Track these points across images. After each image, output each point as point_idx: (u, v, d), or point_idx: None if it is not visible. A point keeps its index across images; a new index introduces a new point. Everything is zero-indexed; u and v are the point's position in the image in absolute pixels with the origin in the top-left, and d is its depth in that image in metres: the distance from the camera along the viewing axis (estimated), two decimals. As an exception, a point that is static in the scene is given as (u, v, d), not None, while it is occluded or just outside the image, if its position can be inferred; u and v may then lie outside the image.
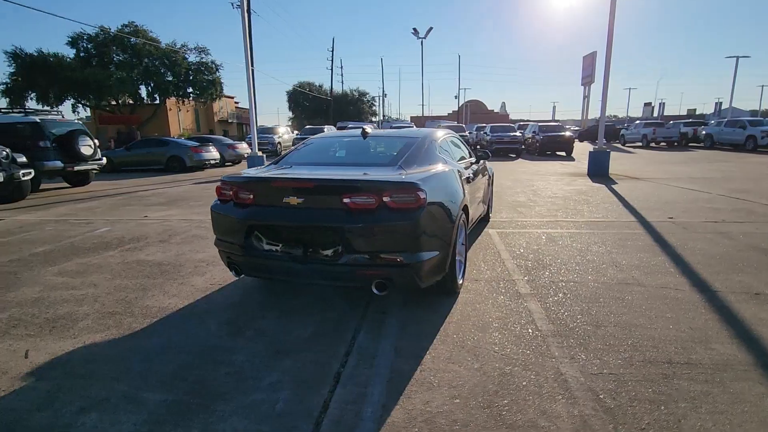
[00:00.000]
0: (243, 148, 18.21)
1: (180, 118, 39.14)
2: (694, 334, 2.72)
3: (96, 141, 10.88)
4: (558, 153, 19.64)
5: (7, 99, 31.40)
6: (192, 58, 34.34)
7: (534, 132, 20.40)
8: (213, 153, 15.64)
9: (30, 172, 8.61)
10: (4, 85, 31.10)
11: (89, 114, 37.75)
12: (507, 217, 6.30)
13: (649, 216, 6.16)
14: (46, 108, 28.51)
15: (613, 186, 9.35)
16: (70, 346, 2.71)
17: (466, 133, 22.22)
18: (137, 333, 2.87)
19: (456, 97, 49.08)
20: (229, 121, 41.69)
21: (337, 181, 2.74)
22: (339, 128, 24.17)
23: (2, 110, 10.70)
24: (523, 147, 20.58)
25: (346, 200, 2.68)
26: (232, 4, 29.18)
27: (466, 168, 4.26)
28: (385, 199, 2.68)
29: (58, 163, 9.89)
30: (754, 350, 2.51)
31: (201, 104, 38.85)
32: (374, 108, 52.49)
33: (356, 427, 1.92)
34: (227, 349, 2.64)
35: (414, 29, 26.31)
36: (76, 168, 10.32)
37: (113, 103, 34.76)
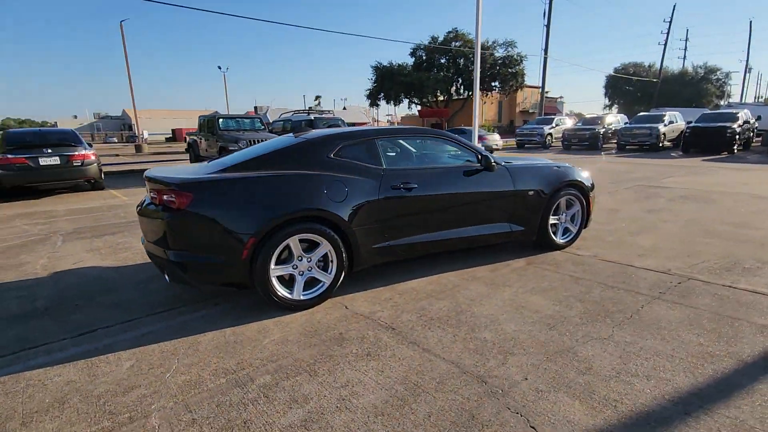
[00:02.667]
0: (493, 139, 18.30)
1: (483, 110, 42.07)
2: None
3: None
4: None
5: (368, 101, 42.77)
6: (499, 52, 36.09)
7: None
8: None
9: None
10: (368, 91, 42.13)
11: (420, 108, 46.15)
12: (604, 250, 4.23)
13: None
14: (329, 107, 37.42)
15: None
16: (68, 266, 4.39)
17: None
18: (110, 267, 4.29)
19: None
20: (530, 111, 41.40)
21: (150, 178, 3.14)
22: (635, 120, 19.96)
23: (299, 111, 15.38)
24: None
25: (152, 194, 3.08)
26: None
27: (407, 175, 3.46)
28: (164, 197, 2.90)
29: (319, 150, 13.55)
30: None
31: (504, 96, 40.39)
32: (725, 88, 38.73)
33: None
34: (87, 300, 3.64)
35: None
36: (330, 154, 13.74)
37: (434, 99, 41.22)
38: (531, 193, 4.00)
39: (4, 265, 4.47)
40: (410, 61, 39.57)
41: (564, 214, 4.36)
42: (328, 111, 15.20)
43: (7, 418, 2.05)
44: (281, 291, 3.03)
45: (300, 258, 3.08)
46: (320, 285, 3.19)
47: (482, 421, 1.91)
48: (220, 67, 52.21)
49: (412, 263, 4.02)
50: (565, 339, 2.60)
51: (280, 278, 3.05)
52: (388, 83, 39.35)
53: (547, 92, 48.42)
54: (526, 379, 2.21)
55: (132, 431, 1.94)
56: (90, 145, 10.74)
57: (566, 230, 4.41)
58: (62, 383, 2.32)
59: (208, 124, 13.04)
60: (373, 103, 42.10)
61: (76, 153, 9.22)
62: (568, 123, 24.23)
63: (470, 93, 39.03)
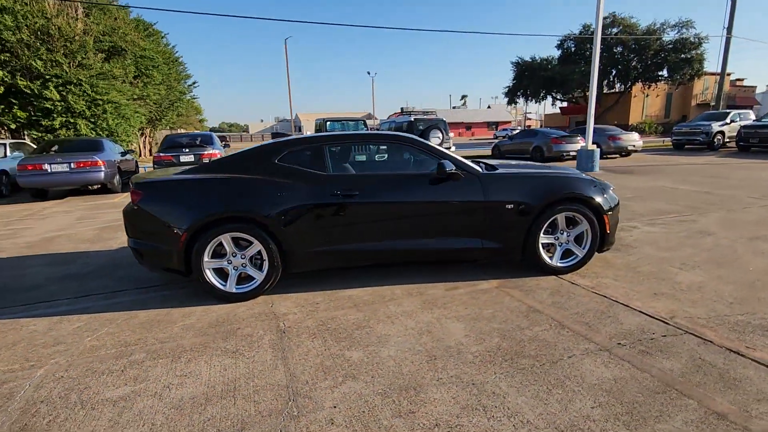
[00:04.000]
0: (629, 139, 15.69)
1: (645, 104, 36.00)
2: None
3: (445, 135, 13.78)
4: None
5: (506, 98, 40.81)
6: (669, 36, 30.38)
7: None
8: (575, 145, 14.85)
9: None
10: (506, 88, 40.14)
11: (564, 105, 41.91)
12: (616, 281, 3.39)
13: None
14: (474, 107, 35.13)
15: None
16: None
17: None
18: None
19: None
20: (712, 103, 33.70)
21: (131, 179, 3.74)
22: None
23: (407, 112, 15.61)
24: None
25: (134, 191, 3.71)
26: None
27: (350, 181, 3.41)
28: (131, 194, 3.48)
29: (416, 150, 13.73)
30: None
31: (674, 87, 33.80)
32: None
33: None
34: (114, 271, 4.47)
35: None
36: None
37: (581, 94, 36.99)
38: (509, 206, 3.47)
39: (102, 237, 5.85)
40: (556, 54, 36.23)
41: (565, 234, 3.65)
42: (432, 112, 15.10)
43: (-25, 349, 2.81)
44: (214, 281, 3.33)
45: (234, 254, 3.34)
46: (254, 281, 3.39)
47: (244, 437, 1.88)
48: (369, 73, 56.34)
49: (372, 271, 3.91)
50: (428, 375, 2.28)
51: (217, 270, 3.36)
52: (527, 79, 36.84)
53: (741, 80, 38.96)
54: (335, 407, 2.05)
55: (23, 375, 2.46)
56: (227, 146, 12.90)
57: (568, 252, 3.69)
58: (29, 331, 3.04)
59: (320, 126, 14.35)
60: (511, 101, 40.00)
61: (205, 152, 11.20)
62: (751, 117, 19.15)
63: (625, 86, 33.92)
